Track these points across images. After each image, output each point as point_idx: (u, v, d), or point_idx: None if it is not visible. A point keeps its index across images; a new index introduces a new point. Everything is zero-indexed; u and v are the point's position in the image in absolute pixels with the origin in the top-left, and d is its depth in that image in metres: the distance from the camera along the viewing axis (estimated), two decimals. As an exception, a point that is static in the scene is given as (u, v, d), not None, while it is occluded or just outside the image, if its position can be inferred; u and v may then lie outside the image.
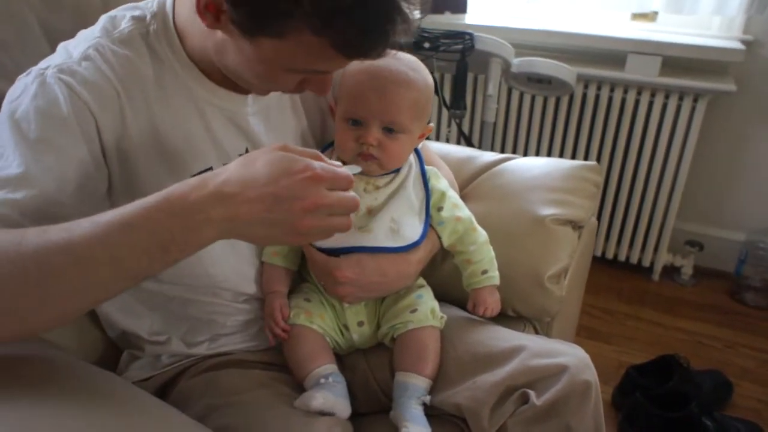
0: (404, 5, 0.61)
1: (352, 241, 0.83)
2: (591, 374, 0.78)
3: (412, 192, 0.88)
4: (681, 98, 1.80)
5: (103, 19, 0.77)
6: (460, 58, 1.62)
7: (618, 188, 1.97)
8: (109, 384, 0.66)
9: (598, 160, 1.94)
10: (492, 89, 1.70)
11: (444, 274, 0.97)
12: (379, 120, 0.81)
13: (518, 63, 1.69)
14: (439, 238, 0.90)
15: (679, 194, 1.91)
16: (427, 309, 0.87)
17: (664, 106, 1.83)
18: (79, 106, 0.68)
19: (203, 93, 0.78)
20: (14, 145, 0.65)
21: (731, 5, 1.69)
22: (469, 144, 1.89)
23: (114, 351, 0.93)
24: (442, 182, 0.91)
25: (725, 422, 1.41)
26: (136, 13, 0.76)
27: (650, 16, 1.96)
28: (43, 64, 0.71)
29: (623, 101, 1.86)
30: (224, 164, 0.62)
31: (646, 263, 2.05)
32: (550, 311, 1.01)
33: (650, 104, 1.84)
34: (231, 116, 0.81)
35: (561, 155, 1.99)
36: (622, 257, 2.06)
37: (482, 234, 0.90)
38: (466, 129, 2.05)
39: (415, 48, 1.60)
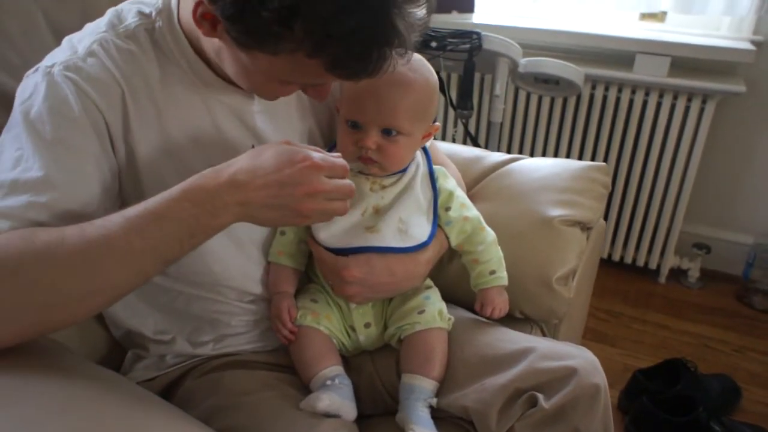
0: (401, 25, 0.61)
1: (361, 242, 0.83)
2: (600, 377, 0.77)
3: (420, 192, 0.87)
4: (690, 99, 1.79)
5: (110, 13, 0.76)
6: (467, 57, 1.61)
7: (625, 190, 1.96)
8: (114, 384, 0.66)
9: (605, 161, 1.93)
10: (499, 89, 1.69)
11: (451, 275, 0.96)
12: (377, 123, 0.80)
13: (526, 63, 1.68)
14: (447, 238, 0.89)
15: (686, 196, 1.90)
16: (434, 310, 0.86)
17: (673, 107, 1.81)
18: (87, 104, 0.69)
19: (210, 90, 0.77)
20: (33, 147, 0.66)
21: (741, 5, 1.68)
22: (476, 144, 1.88)
23: (118, 351, 0.92)
24: (450, 182, 0.90)
25: (733, 427, 1.40)
26: (143, 8, 0.76)
27: (659, 16, 1.94)
28: (48, 60, 0.70)
29: (631, 102, 1.85)
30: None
31: (653, 266, 2.03)
32: (557, 313, 1.00)
33: (658, 105, 1.82)
34: (238, 113, 0.81)
35: (568, 156, 1.98)
36: (628, 259, 2.05)
37: (490, 234, 0.90)
38: (472, 129, 2.04)
39: (422, 47, 1.59)
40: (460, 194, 0.91)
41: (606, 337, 1.80)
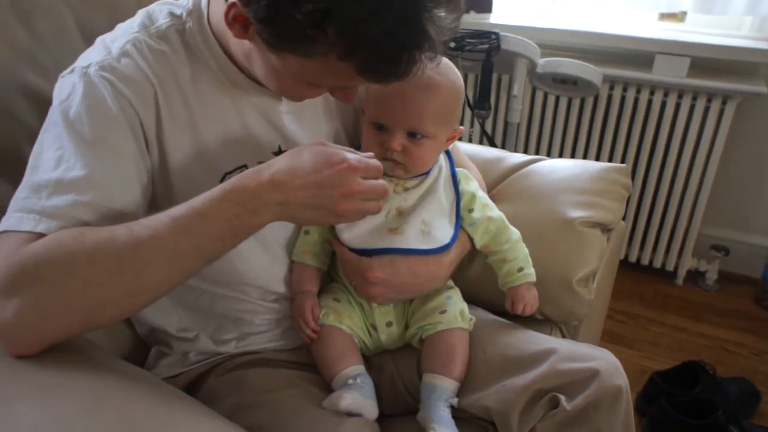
0: (431, 29, 0.61)
1: (385, 243, 0.83)
2: (622, 379, 0.77)
3: (443, 194, 0.87)
4: (709, 100, 1.77)
5: (141, 13, 0.77)
6: (485, 58, 1.61)
7: (643, 191, 1.95)
8: (142, 380, 0.67)
9: (623, 161, 1.92)
10: (517, 90, 1.68)
11: (472, 276, 0.96)
12: (403, 126, 0.81)
13: (544, 63, 1.68)
14: (472, 239, 0.90)
15: (705, 198, 1.88)
16: (456, 310, 0.87)
17: (692, 108, 1.80)
18: (123, 104, 0.70)
19: (239, 90, 0.78)
20: (74, 147, 0.67)
21: (763, 5, 1.66)
22: (492, 144, 1.87)
23: (142, 348, 0.93)
24: (473, 184, 0.91)
25: (752, 431, 1.39)
26: (174, 9, 0.77)
27: (679, 16, 1.93)
28: (83, 61, 0.72)
29: (650, 103, 1.84)
30: (258, 161, 0.70)
31: (670, 267, 2.02)
32: (578, 314, 1.00)
33: (677, 106, 1.81)
34: (266, 113, 0.81)
35: (585, 157, 1.97)
36: (645, 261, 2.03)
37: (515, 232, 0.90)
38: (489, 129, 2.04)
39: (440, 47, 1.59)
40: (482, 195, 0.91)
41: (623, 339, 1.79)
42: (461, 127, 0.89)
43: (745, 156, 1.93)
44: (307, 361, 0.88)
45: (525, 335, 0.86)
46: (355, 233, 0.84)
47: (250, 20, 0.63)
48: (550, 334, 0.96)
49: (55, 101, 0.70)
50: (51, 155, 0.67)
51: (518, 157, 1.16)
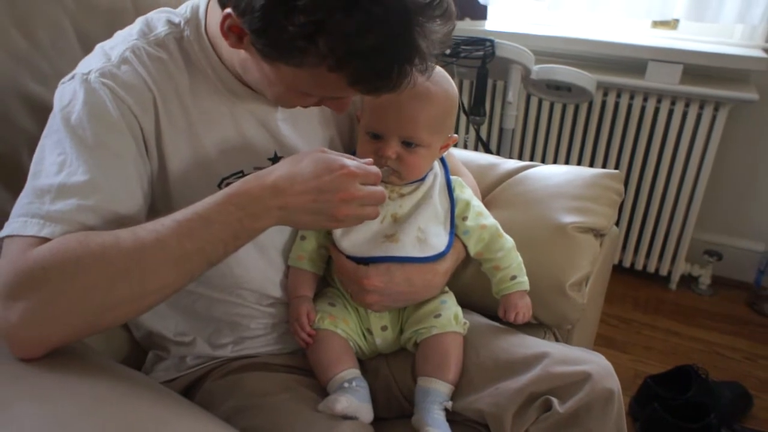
0: (423, 43, 0.62)
1: (381, 251, 0.84)
2: (614, 383, 0.78)
3: (438, 201, 0.88)
4: (702, 107, 1.79)
5: (139, 21, 0.79)
6: (480, 64, 1.63)
7: (636, 196, 1.96)
8: (140, 384, 0.67)
9: (617, 167, 1.94)
10: (512, 96, 1.70)
11: (466, 280, 0.97)
12: (398, 134, 0.82)
13: (538, 70, 1.70)
14: (466, 247, 0.91)
15: (698, 203, 1.90)
16: (450, 315, 0.88)
17: (685, 115, 1.82)
18: (123, 109, 0.71)
19: (236, 98, 0.79)
20: (76, 152, 0.68)
21: (755, 13, 1.68)
22: (487, 150, 1.89)
23: (140, 352, 0.94)
24: (467, 192, 0.92)
25: (744, 434, 1.40)
26: (172, 17, 0.78)
27: (671, 24, 1.95)
28: (83, 68, 0.72)
29: (643, 109, 1.85)
30: (255, 167, 0.74)
31: (664, 272, 2.04)
32: (571, 319, 1.01)
33: (670, 112, 1.83)
34: (262, 120, 0.82)
35: (579, 163, 1.98)
36: (639, 266, 2.05)
37: (509, 240, 0.91)
38: (484, 135, 2.05)
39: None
40: (477, 203, 0.92)
41: (617, 343, 1.80)
42: (455, 135, 0.90)
43: (737, 162, 1.95)
44: (303, 365, 0.89)
45: (518, 339, 0.87)
46: (352, 241, 0.85)
47: (244, 30, 0.64)
48: (543, 338, 0.97)
49: (56, 107, 0.71)
50: (53, 160, 0.68)
51: (512, 164, 1.18)
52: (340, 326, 0.87)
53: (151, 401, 0.62)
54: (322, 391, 0.84)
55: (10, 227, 0.65)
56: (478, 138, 1.87)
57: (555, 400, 0.76)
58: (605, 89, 1.86)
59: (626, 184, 1.94)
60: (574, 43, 1.90)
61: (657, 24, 1.97)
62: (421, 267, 0.86)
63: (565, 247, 0.99)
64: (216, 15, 0.73)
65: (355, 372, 0.84)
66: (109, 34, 0.79)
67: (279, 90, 0.72)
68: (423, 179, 0.88)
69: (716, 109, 1.79)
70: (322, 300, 0.90)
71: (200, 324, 0.88)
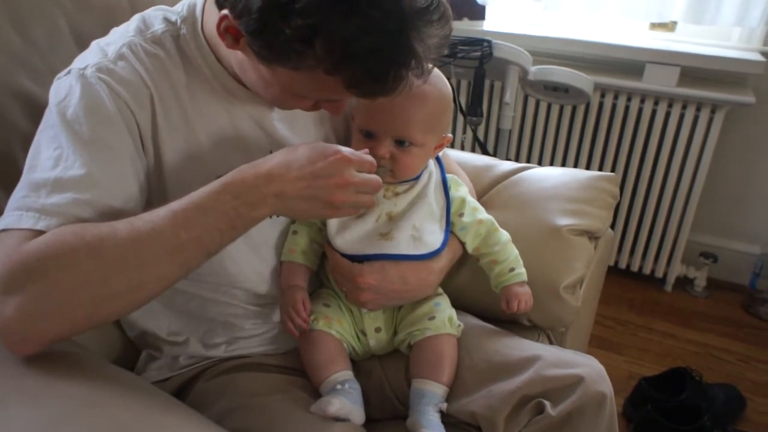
0: (419, 47, 0.62)
1: (376, 249, 0.84)
2: (606, 386, 0.78)
3: (433, 199, 0.88)
4: (698, 109, 1.79)
5: (136, 18, 0.78)
6: (478, 65, 1.63)
7: (633, 198, 1.96)
8: (131, 385, 0.67)
9: (614, 169, 1.94)
10: (509, 97, 1.70)
11: (460, 282, 0.97)
12: (391, 134, 0.82)
13: (535, 71, 1.70)
14: (464, 244, 0.91)
15: (694, 205, 1.90)
16: (444, 317, 0.88)
17: (682, 117, 1.82)
18: (120, 104, 0.70)
19: (232, 97, 0.79)
20: (72, 146, 0.67)
21: (752, 16, 1.68)
22: (485, 151, 1.89)
23: (133, 351, 0.94)
24: (462, 189, 0.92)
25: (738, 437, 1.41)
26: (168, 15, 0.78)
27: (669, 26, 1.95)
28: (79, 63, 0.72)
29: (640, 111, 1.86)
30: None
31: (659, 274, 2.04)
32: (564, 321, 1.01)
33: (667, 114, 1.83)
34: (258, 120, 0.82)
35: (576, 164, 1.98)
36: (634, 267, 2.05)
37: (504, 234, 0.91)
38: (481, 136, 2.05)
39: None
40: (472, 200, 0.92)
41: (612, 345, 1.81)
42: (450, 135, 0.90)
43: (734, 164, 1.95)
44: (296, 366, 0.89)
45: (511, 341, 0.87)
46: (346, 239, 0.85)
47: (241, 32, 0.64)
48: (537, 341, 0.97)
49: (52, 102, 0.71)
50: (49, 155, 0.68)
51: (508, 165, 1.18)
52: (335, 327, 0.87)
53: (141, 402, 0.62)
54: (315, 392, 0.84)
55: (5, 221, 0.65)
56: (475, 139, 1.87)
57: (547, 403, 0.76)
58: (602, 91, 1.86)
59: (623, 185, 1.94)
60: (572, 45, 1.90)
61: (655, 26, 1.97)
62: (416, 265, 0.86)
63: (559, 250, 0.99)
64: (213, 14, 0.73)
65: (348, 374, 0.84)
66: (104, 32, 0.78)
67: (275, 92, 0.72)
68: (418, 178, 0.88)
69: (713, 112, 1.79)
70: (317, 301, 0.89)
71: (193, 323, 0.88)
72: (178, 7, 0.79)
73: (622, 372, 1.69)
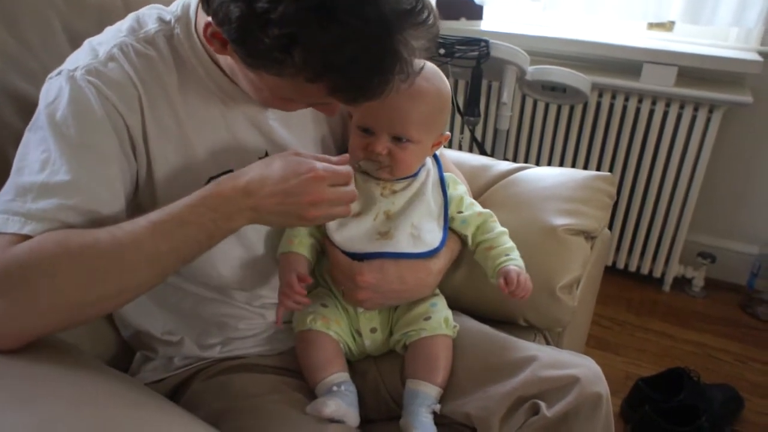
0: (404, 51, 0.61)
1: (375, 247, 0.84)
2: (602, 386, 0.78)
3: (431, 198, 0.88)
4: (696, 109, 1.79)
5: (130, 17, 0.78)
6: (475, 65, 1.62)
7: (630, 198, 1.96)
8: (123, 386, 0.67)
9: (611, 169, 1.94)
10: (506, 97, 1.70)
11: (457, 282, 0.97)
12: (388, 131, 0.82)
13: (533, 71, 1.69)
14: (466, 238, 0.90)
15: (692, 205, 1.90)
16: (440, 317, 0.87)
17: (679, 117, 1.82)
18: (108, 108, 0.70)
19: (227, 97, 0.79)
20: (59, 150, 0.68)
21: (750, 16, 1.68)
22: (482, 151, 1.89)
23: (127, 352, 0.93)
24: (460, 188, 0.92)
25: (735, 437, 1.40)
26: (163, 14, 0.78)
27: (667, 26, 1.95)
28: (70, 64, 0.72)
29: (638, 111, 1.85)
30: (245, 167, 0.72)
31: (657, 274, 2.04)
32: (561, 321, 1.01)
33: (665, 114, 1.83)
34: (253, 120, 0.82)
35: (574, 164, 1.98)
36: (632, 267, 2.05)
37: (501, 226, 0.91)
38: (478, 136, 2.05)
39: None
40: (470, 198, 0.92)
41: (609, 345, 1.80)
42: (447, 133, 0.90)
43: (731, 164, 1.95)
44: (292, 367, 0.89)
45: (507, 342, 0.87)
46: (345, 236, 0.84)
47: (226, 38, 0.64)
48: (533, 341, 0.97)
49: (42, 103, 0.71)
50: (36, 157, 0.68)
51: (505, 165, 1.17)
52: (333, 327, 0.87)
53: (133, 404, 0.62)
54: (310, 393, 0.84)
55: None
56: (473, 138, 1.87)
57: (543, 404, 0.76)
58: (600, 90, 1.86)
59: (620, 185, 1.94)
60: (570, 44, 1.90)
61: (652, 26, 1.97)
62: (415, 265, 0.86)
63: (555, 250, 0.99)
64: (204, 16, 0.72)
65: (344, 376, 0.84)
66: (98, 31, 0.78)
67: (265, 95, 0.72)
68: (415, 175, 0.88)
69: (711, 112, 1.79)
70: (315, 301, 0.88)
71: (188, 324, 0.88)
72: (172, 7, 0.79)
73: (619, 372, 1.69)
